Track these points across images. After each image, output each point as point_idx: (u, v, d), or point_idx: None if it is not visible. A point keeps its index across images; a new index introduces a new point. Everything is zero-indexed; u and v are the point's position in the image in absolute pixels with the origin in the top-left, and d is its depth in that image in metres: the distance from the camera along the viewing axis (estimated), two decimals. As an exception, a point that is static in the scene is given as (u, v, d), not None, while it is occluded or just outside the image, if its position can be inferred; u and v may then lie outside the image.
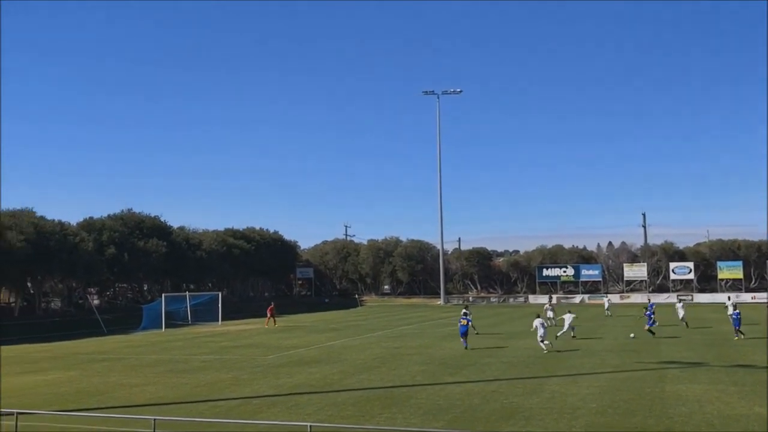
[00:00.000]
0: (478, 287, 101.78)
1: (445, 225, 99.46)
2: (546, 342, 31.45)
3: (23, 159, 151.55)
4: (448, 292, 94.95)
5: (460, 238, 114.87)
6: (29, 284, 62.96)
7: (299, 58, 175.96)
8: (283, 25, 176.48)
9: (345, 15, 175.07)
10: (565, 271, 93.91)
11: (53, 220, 61.02)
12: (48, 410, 17.83)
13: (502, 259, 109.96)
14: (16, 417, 13.98)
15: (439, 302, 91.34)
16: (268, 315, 55.64)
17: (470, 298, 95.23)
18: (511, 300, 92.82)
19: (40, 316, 59.28)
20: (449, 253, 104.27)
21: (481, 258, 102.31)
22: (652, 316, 40.81)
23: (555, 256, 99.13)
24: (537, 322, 32.06)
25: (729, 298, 50.29)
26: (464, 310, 36.84)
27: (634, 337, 37.15)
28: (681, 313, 44.88)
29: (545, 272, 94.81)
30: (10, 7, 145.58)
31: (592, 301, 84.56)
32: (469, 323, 34.45)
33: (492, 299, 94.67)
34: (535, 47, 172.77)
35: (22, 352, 38.04)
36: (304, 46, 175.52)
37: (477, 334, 39.77)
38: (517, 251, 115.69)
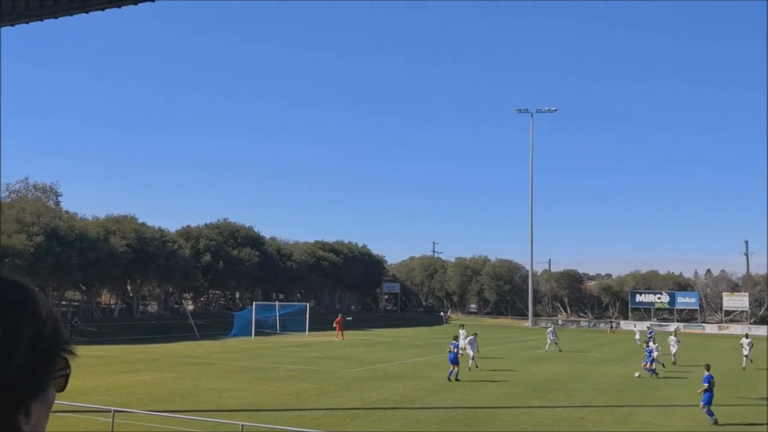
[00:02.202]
0: (568, 310, 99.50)
1: (536, 245, 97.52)
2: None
3: (127, 168, 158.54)
4: (536, 314, 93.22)
5: (550, 260, 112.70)
6: (129, 287, 65.76)
7: (388, 74, 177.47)
8: (372, 38, 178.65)
9: (438, 31, 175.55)
10: (659, 298, 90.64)
11: (154, 227, 63.68)
12: (142, 410, 18.52)
13: (593, 283, 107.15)
14: (113, 415, 14.61)
15: (526, 324, 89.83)
16: (337, 327, 55.84)
17: (559, 321, 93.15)
18: (602, 325, 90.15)
19: (138, 319, 61.79)
20: (539, 274, 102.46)
21: (572, 281, 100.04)
22: (652, 352, 33.52)
23: (649, 281, 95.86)
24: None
25: (747, 336, 43.13)
26: (461, 331, 35.48)
27: (639, 376, 31.87)
28: (673, 348, 39.28)
29: (638, 298, 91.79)
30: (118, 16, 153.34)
31: (688, 330, 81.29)
32: (456, 348, 29.73)
33: (582, 323, 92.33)
34: (632, 66, 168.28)
35: (120, 352, 39.73)
36: (390, 62, 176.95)
37: (476, 356, 36.59)
38: (609, 275, 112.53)
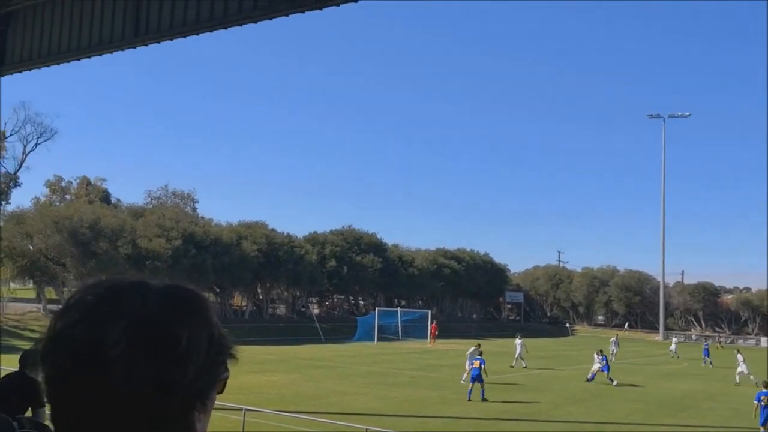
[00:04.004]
0: (703, 325, 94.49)
1: (668, 256, 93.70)
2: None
3: (259, 178, 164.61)
4: (668, 328, 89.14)
5: (683, 271, 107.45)
6: (259, 290, 68.33)
7: (515, 77, 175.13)
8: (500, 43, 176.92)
9: (568, 35, 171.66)
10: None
11: (282, 233, 65.94)
12: (271, 409, 19.19)
13: (730, 296, 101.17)
14: (244, 413, 15.25)
15: (657, 338, 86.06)
16: (431, 333, 56.25)
17: (693, 336, 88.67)
18: (741, 341, 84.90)
19: (267, 321, 64.07)
20: (670, 286, 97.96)
21: (707, 293, 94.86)
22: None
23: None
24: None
25: (738, 351, 37.59)
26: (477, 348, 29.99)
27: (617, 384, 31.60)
28: (741, 368, 35.53)
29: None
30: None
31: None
32: (483, 365, 26.06)
33: (719, 339, 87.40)
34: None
35: (250, 352, 41.31)
36: (517, 66, 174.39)
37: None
38: (748, 288, 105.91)
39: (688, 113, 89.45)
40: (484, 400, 24.84)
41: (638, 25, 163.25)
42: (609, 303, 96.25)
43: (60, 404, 1.08)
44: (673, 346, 55.84)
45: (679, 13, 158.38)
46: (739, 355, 37.40)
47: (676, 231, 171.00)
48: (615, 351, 46.30)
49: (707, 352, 47.99)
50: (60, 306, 1.20)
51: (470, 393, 25.27)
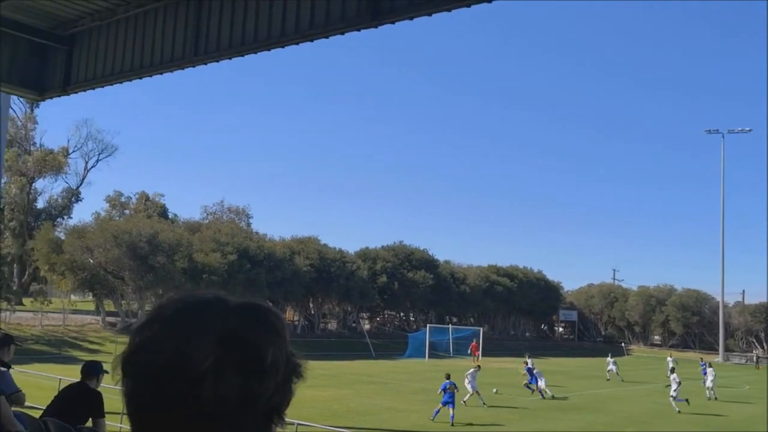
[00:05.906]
0: (765, 346, 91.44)
1: (728, 275, 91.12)
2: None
3: (311, 193, 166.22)
4: (728, 349, 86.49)
5: (744, 291, 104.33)
6: (311, 305, 68.79)
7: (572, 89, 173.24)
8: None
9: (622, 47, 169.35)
10: None
11: (334, 248, 66.38)
12: (323, 424, 19.23)
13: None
14: (296, 427, 15.32)
15: (717, 359, 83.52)
16: (474, 351, 55.86)
17: (755, 358, 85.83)
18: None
19: (319, 335, 64.38)
20: (730, 306, 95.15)
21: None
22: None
23: None
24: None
25: (671, 355, 35.03)
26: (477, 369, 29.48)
27: (497, 392, 32.20)
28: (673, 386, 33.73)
29: None
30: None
31: None
32: (456, 390, 24.37)
33: (756, 359, 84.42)
34: None
35: (301, 367, 41.60)
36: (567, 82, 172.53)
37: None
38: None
39: (748, 129, 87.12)
40: (452, 425, 22.98)
41: (698, 40, 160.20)
42: (666, 323, 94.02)
43: (142, 417, 1.08)
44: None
45: (742, 28, 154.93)
46: (670, 358, 36.02)
47: (736, 249, 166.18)
48: (615, 370, 45.62)
49: (705, 372, 46.03)
50: (134, 319, 1.24)
51: (436, 413, 23.53)
